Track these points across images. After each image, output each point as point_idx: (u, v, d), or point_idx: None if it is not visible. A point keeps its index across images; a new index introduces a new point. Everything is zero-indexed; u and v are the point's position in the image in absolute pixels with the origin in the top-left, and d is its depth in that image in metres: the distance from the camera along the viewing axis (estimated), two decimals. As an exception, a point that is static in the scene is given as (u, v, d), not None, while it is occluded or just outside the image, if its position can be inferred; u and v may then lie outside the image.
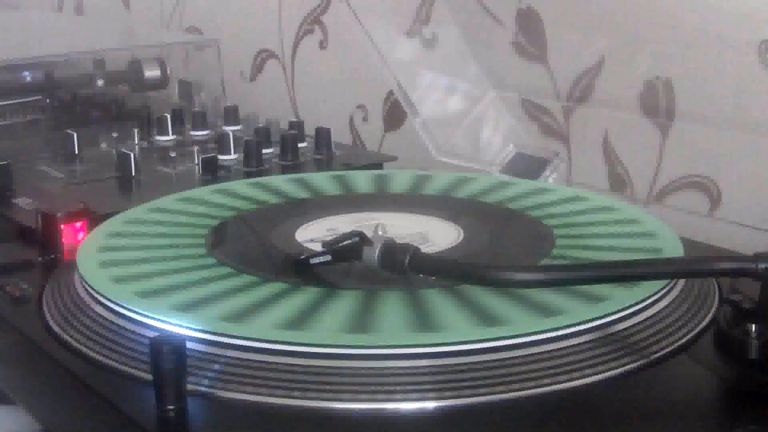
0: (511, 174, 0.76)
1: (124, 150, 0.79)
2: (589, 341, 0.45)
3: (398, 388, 0.42)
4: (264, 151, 0.81)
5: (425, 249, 0.51)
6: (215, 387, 0.42)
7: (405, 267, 0.48)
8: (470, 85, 0.87)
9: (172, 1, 1.28)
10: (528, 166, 0.76)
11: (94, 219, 0.62)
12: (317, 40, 1.06)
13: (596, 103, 0.79)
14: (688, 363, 0.45)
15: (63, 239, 0.60)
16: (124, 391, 0.43)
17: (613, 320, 0.46)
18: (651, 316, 0.48)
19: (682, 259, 0.52)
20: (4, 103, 1.01)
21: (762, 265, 0.43)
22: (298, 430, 0.40)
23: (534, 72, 0.82)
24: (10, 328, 0.51)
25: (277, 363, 0.43)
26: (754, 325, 0.44)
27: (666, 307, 0.49)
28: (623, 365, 0.44)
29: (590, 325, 0.46)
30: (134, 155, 0.78)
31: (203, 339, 0.45)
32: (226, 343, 0.44)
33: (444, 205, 0.65)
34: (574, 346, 0.45)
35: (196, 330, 0.45)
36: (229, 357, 0.44)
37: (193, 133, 0.91)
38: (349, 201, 0.66)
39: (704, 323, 0.49)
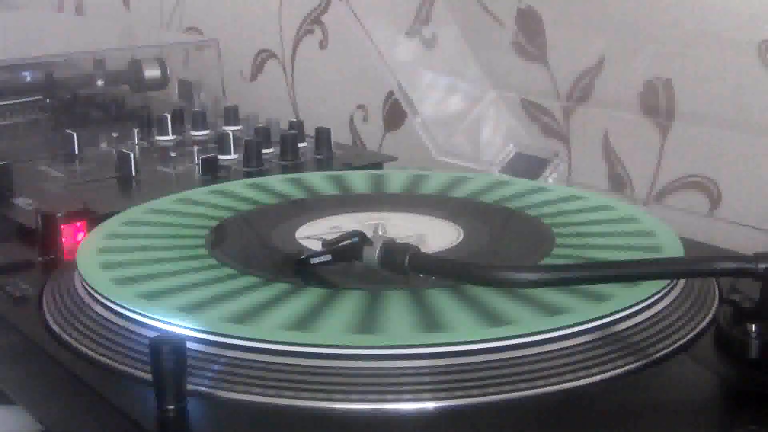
0: (511, 174, 0.76)
1: (124, 150, 0.79)
2: (590, 341, 0.45)
3: (400, 388, 0.42)
4: (264, 151, 0.81)
5: (425, 249, 0.51)
6: (215, 387, 0.42)
7: (405, 267, 0.48)
8: (470, 85, 0.87)
9: (172, 1, 1.28)
10: (528, 166, 0.76)
11: (94, 219, 0.62)
12: (317, 40, 1.06)
13: (596, 103, 0.79)
14: (688, 363, 0.45)
15: (63, 239, 0.60)
16: (124, 391, 0.43)
17: (614, 320, 0.46)
18: (651, 316, 0.48)
19: (682, 259, 0.52)
20: (4, 103, 1.01)
21: (762, 265, 0.43)
22: (298, 430, 0.40)
23: (534, 72, 0.82)
24: (10, 328, 0.51)
25: (277, 363, 0.43)
26: (754, 325, 0.44)
27: (666, 307, 0.49)
28: (623, 365, 0.44)
29: (591, 325, 0.46)
30: (134, 155, 0.78)
31: (203, 339, 0.45)
32: (227, 344, 0.44)
33: (443, 205, 0.65)
34: (574, 346, 0.45)
35: (196, 330, 0.45)
36: (229, 357, 0.44)
37: (193, 133, 0.91)
38: (350, 201, 0.66)
39: (704, 323, 0.49)
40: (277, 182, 0.71)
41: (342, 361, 0.43)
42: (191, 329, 0.45)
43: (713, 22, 0.67)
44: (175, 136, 0.90)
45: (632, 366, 0.44)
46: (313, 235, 0.59)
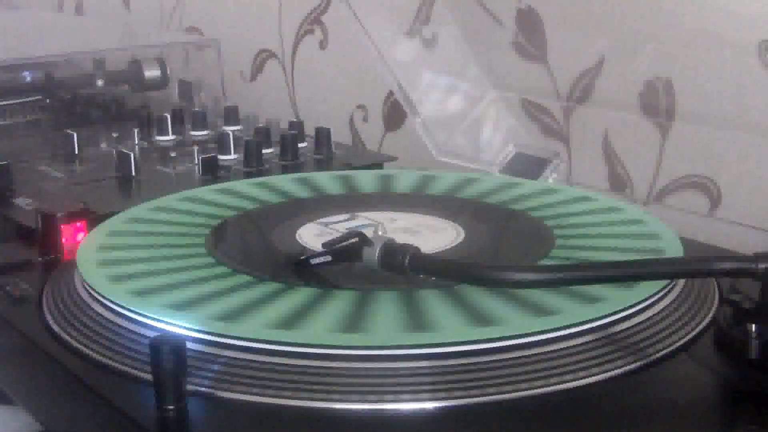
0: (511, 174, 0.76)
1: (124, 150, 0.79)
2: (590, 341, 0.45)
3: (399, 388, 0.42)
4: (264, 151, 0.81)
5: (425, 249, 0.51)
6: (215, 387, 0.42)
7: (405, 267, 0.48)
8: (470, 85, 0.87)
9: (172, 1, 1.28)
10: (528, 166, 0.76)
11: (94, 219, 0.62)
12: (317, 40, 1.06)
13: (596, 103, 0.79)
14: (688, 363, 0.45)
15: (63, 239, 0.60)
16: (124, 391, 0.43)
17: (613, 320, 0.46)
18: (651, 316, 0.48)
19: (682, 259, 0.52)
20: (4, 103, 1.01)
21: (762, 265, 0.43)
22: (297, 430, 0.40)
23: (534, 72, 0.82)
24: (10, 328, 0.51)
25: (276, 363, 0.43)
26: (754, 325, 0.44)
27: (666, 307, 0.49)
28: (623, 365, 0.44)
29: (590, 325, 0.46)
30: (134, 155, 0.78)
31: (203, 339, 0.45)
32: (227, 344, 0.44)
33: (444, 205, 0.65)
34: (574, 346, 0.45)
35: (195, 330, 0.45)
36: (229, 357, 0.44)
37: (193, 133, 0.91)
38: (350, 201, 0.66)
39: (704, 323, 0.49)
40: (285, 182, 0.71)
41: (340, 361, 0.43)
42: (191, 329, 0.45)
43: (713, 22, 0.67)
44: (175, 136, 0.90)
45: (632, 366, 0.44)
46: (313, 235, 0.59)
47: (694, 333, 0.48)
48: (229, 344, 0.44)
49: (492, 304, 0.47)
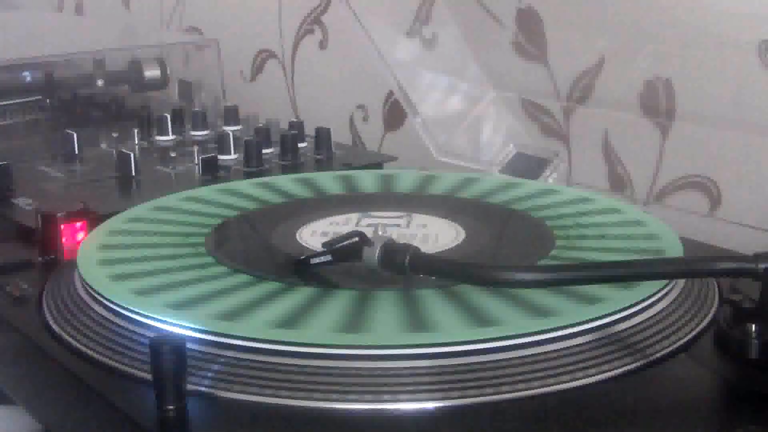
0: (511, 174, 0.76)
1: (124, 150, 0.79)
2: (589, 341, 0.45)
3: (397, 388, 0.42)
4: (264, 151, 0.81)
5: (425, 249, 0.51)
6: (215, 387, 0.42)
7: (405, 267, 0.48)
8: (470, 85, 0.87)
9: (172, 1, 1.28)
10: (528, 166, 0.76)
11: (94, 219, 0.62)
12: (317, 40, 1.06)
13: (596, 103, 0.79)
14: (688, 363, 0.45)
15: (63, 239, 0.60)
16: (124, 391, 0.43)
17: (613, 321, 0.46)
18: (651, 316, 0.48)
19: (682, 259, 0.52)
20: (4, 103, 1.01)
21: (762, 265, 0.43)
22: (297, 430, 0.40)
23: (534, 72, 0.82)
24: (10, 328, 0.51)
25: (276, 363, 0.43)
26: (754, 325, 0.44)
27: (666, 307, 0.49)
28: (623, 365, 0.44)
29: (590, 325, 0.46)
30: (134, 155, 0.78)
31: (203, 339, 0.45)
32: (227, 343, 0.44)
33: (445, 205, 0.65)
34: (574, 346, 0.45)
35: (196, 330, 0.45)
36: (229, 357, 0.44)
37: (193, 133, 0.91)
38: (351, 201, 0.66)
39: (704, 323, 0.49)
40: (285, 182, 0.71)
41: (338, 360, 0.43)
42: (191, 329, 0.45)
43: (713, 22, 0.67)
44: (175, 136, 0.90)
45: (632, 366, 0.44)
46: (313, 235, 0.59)
47: (694, 333, 0.48)
48: (229, 344, 0.44)
49: (492, 305, 0.47)
